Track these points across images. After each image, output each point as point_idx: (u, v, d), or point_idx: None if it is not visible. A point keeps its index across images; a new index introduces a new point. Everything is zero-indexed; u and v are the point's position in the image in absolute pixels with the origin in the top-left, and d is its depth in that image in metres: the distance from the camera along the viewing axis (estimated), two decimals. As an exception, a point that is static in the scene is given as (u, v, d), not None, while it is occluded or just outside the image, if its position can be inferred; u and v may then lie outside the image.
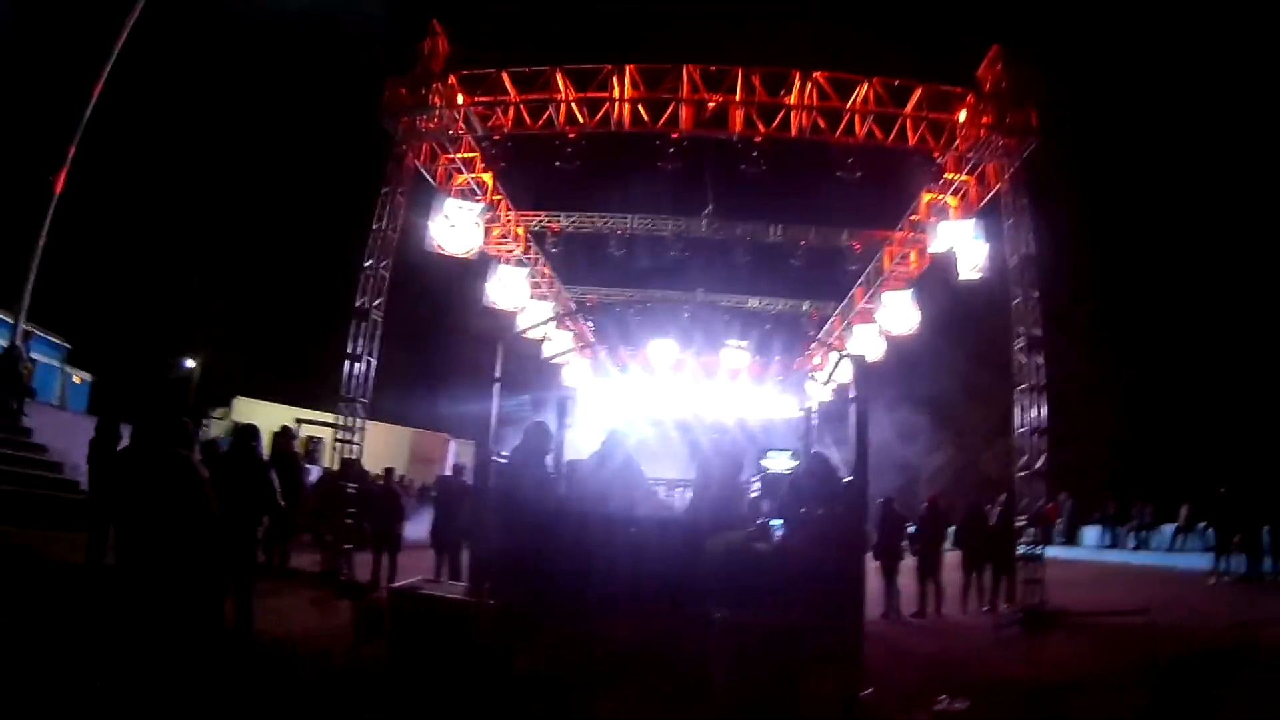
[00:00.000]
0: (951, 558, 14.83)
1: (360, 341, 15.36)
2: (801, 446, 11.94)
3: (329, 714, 6.83)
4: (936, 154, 15.85)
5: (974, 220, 16.33)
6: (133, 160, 30.64)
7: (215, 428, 27.33)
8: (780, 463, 15.26)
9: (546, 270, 23.28)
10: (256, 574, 8.86)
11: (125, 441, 10.66)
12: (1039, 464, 14.46)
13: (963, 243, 16.17)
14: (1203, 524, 21.40)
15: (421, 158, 16.80)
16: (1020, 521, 14.29)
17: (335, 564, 14.21)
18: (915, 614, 13.66)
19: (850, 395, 9.70)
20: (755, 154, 15.40)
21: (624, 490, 9.48)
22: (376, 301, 15.55)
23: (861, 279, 22.04)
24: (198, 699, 5.66)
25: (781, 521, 9.20)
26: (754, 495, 12.88)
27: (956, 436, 30.33)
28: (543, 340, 23.74)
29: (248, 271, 34.09)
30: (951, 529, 15.67)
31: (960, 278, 16.17)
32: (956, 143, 15.69)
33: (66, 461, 15.23)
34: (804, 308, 25.29)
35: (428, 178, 17.28)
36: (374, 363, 15.49)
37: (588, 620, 7.66)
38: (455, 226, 16.69)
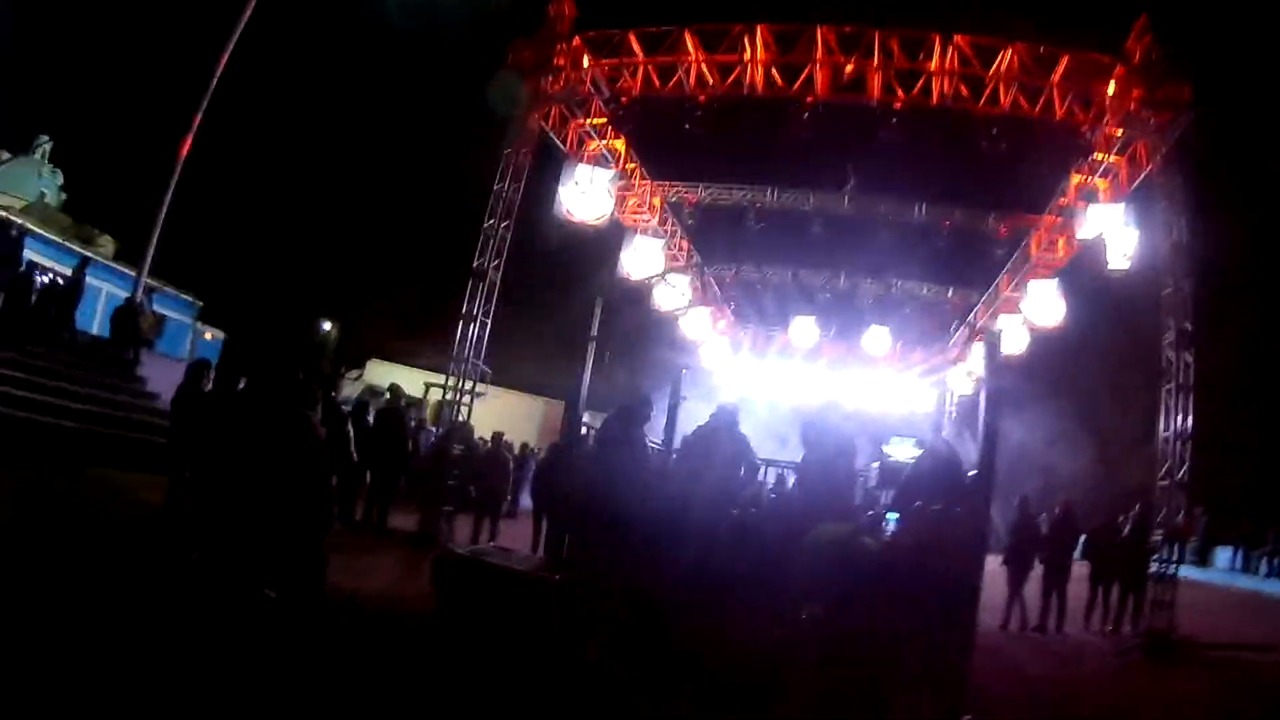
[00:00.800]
0: (1078, 569, 13.19)
1: (477, 302, 14.65)
2: (930, 435, 10.61)
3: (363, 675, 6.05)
4: (1085, 128, 14.16)
5: (1124, 204, 14.65)
6: (269, 129, 30.82)
7: (349, 388, 27.65)
8: (903, 451, 13.65)
9: (684, 243, 22.10)
10: (330, 529, 8.15)
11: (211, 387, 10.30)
12: (1181, 474, 12.83)
13: (1112, 228, 14.50)
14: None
15: (550, 122, 16.00)
16: (1155, 536, 12.73)
17: (434, 526, 13.50)
18: (1035, 628, 12.20)
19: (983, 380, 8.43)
20: (894, 120, 14.00)
21: (727, 469, 8.46)
22: (495, 262, 14.83)
23: (1008, 266, 20.22)
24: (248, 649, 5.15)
25: (896, 516, 7.98)
26: (872, 485, 11.64)
27: (1096, 439, 27.43)
28: (679, 314, 22.69)
29: (385, 236, 34.12)
30: (1081, 538, 13.90)
31: (1109, 266, 14.48)
32: (1106, 118, 13.98)
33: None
34: (948, 294, 23.42)
35: (558, 144, 16.44)
36: (489, 324, 14.79)
37: (663, 606, 6.79)
38: (586, 193, 15.70)
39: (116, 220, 28.32)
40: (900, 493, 8.07)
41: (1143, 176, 14.37)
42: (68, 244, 25.91)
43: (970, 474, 7.46)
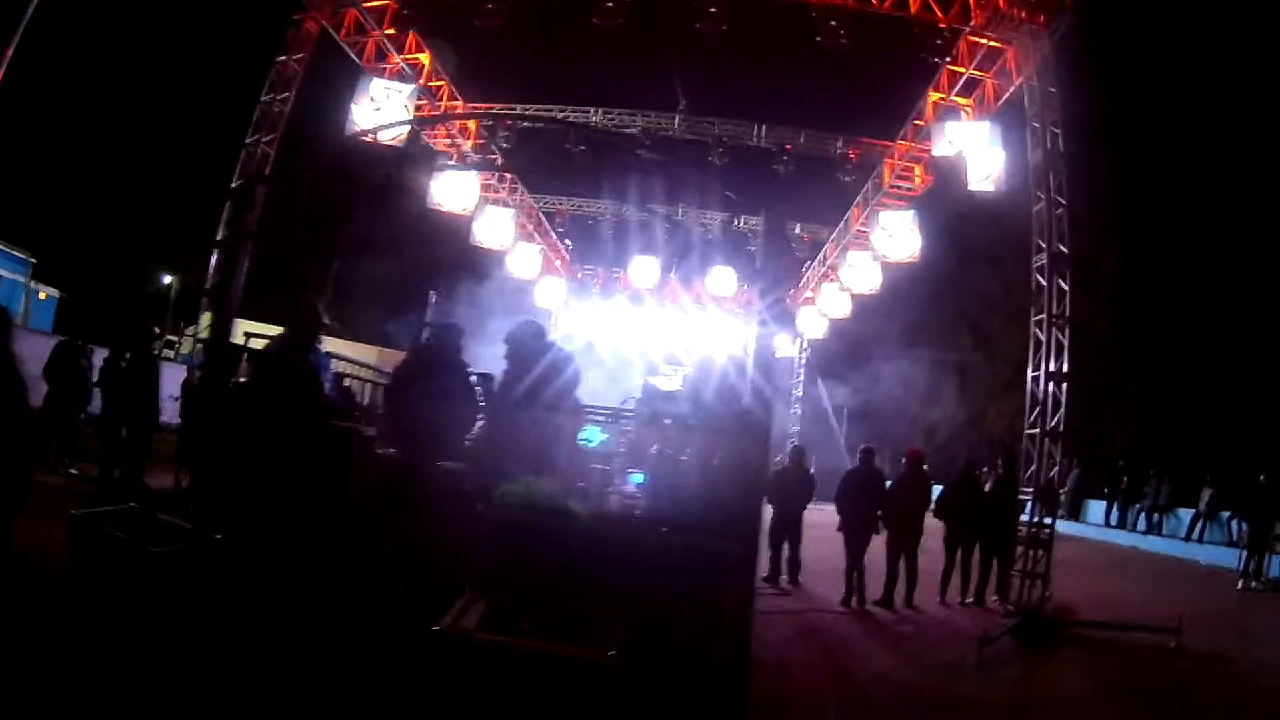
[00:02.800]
0: (932, 528, 10.52)
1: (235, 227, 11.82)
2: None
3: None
4: (944, 26, 11.72)
5: (990, 123, 12.62)
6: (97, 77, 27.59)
7: (187, 344, 24.89)
8: (674, 382, 10.55)
9: (505, 173, 19.38)
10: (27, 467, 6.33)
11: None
12: (1055, 420, 10.80)
13: (974, 147, 12.46)
14: (1229, 514, 17.40)
15: (345, 31, 13.39)
16: (1024, 494, 10.68)
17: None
18: (878, 601, 9.62)
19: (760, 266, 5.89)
20: (714, 10, 11.38)
21: (436, 403, 5.84)
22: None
23: (858, 197, 17.93)
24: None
25: (640, 474, 5.29)
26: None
27: (961, 385, 24.88)
28: (504, 251, 20.01)
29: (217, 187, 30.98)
30: (936, 492, 11.32)
31: (970, 187, 12.42)
32: (971, 20, 11.60)
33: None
34: (796, 230, 21.17)
35: (353, 57, 13.81)
36: (247, 252, 11.86)
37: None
38: (381, 109, 13.28)
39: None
40: (635, 437, 5.44)
41: (1012, 91, 12.26)
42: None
43: (743, 410, 4.91)
